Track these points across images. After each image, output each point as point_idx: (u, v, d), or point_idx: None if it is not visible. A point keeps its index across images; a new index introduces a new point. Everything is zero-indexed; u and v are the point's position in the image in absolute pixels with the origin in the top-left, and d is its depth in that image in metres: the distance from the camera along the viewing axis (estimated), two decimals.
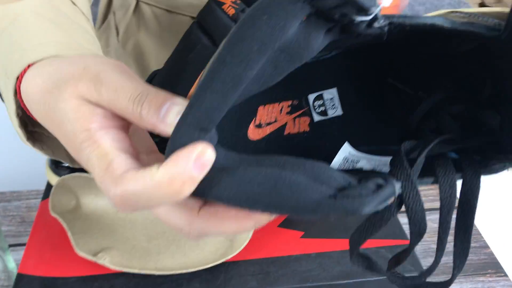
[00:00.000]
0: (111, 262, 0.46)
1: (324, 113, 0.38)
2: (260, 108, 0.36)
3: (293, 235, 0.52)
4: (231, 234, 0.28)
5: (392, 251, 0.51)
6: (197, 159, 0.24)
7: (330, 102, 0.38)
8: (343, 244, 0.51)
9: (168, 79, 0.54)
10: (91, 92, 0.27)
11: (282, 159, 0.26)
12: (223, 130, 0.33)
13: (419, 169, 0.29)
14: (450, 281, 0.32)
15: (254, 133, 0.36)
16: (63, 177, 0.52)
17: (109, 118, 0.28)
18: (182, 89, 0.53)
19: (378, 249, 0.51)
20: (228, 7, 0.53)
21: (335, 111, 0.38)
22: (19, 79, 0.32)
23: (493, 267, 0.57)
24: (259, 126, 0.36)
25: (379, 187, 0.24)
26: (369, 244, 0.51)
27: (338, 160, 0.35)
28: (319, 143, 0.38)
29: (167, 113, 0.25)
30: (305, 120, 0.38)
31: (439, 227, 0.30)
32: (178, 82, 0.53)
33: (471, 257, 0.59)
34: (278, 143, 0.37)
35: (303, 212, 0.23)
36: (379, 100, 0.39)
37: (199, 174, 0.24)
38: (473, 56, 0.33)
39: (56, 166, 0.58)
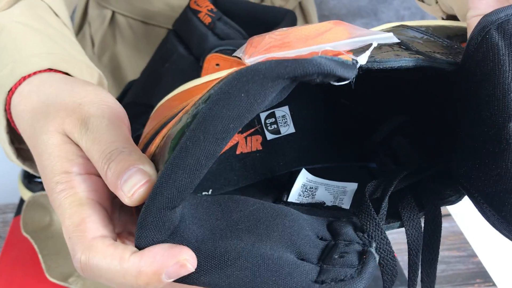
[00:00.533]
0: (84, 286, 0.44)
1: (276, 131, 0.37)
2: None
3: None
4: None
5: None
6: (174, 267, 0.22)
7: (282, 119, 0.37)
8: None
9: (144, 89, 0.53)
10: (75, 133, 0.26)
11: (253, 216, 0.25)
12: None
13: (385, 213, 0.29)
14: None
15: None
16: (34, 194, 0.50)
17: (89, 166, 0.26)
18: (157, 98, 0.52)
19: None
20: (204, 15, 0.51)
21: (288, 128, 0.37)
22: (10, 92, 0.31)
23: (481, 276, 0.56)
24: None
25: (360, 255, 0.25)
26: None
27: (297, 189, 0.35)
28: (272, 162, 0.37)
29: (127, 181, 0.24)
30: (257, 138, 0.37)
31: (408, 270, 0.31)
32: (154, 92, 0.52)
33: (459, 267, 0.58)
34: (230, 164, 0.36)
35: None
36: (332, 118, 0.39)
37: (168, 280, 0.23)
38: (428, 82, 0.33)
39: (29, 181, 0.56)
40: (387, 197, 0.29)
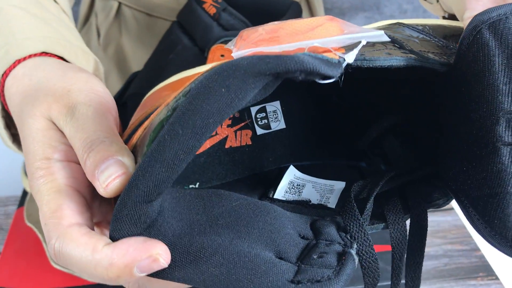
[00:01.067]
0: None
1: (267, 126, 0.37)
2: None
3: None
4: None
5: (381, 257, 0.49)
6: (146, 261, 0.22)
7: (273, 115, 0.37)
8: None
9: (148, 80, 0.53)
10: (60, 120, 0.26)
11: (235, 212, 0.25)
12: None
13: (369, 214, 0.29)
14: None
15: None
16: None
17: (71, 154, 0.26)
18: None
19: None
20: (209, 6, 0.51)
21: (278, 124, 0.37)
22: (4, 75, 0.31)
23: (484, 270, 0.56)
24: None
25: (339, 256, 0.24)
26: None
27: (284, 186, 0.34)
28: (261, 157, 0.37)
29: (103, 171, 0.24)
30: (247, 133, 0.36)
31: (391, 272, 0.30)
32: (158, 83, 0.51)
33: (462, 260, 0.57)
34: (219, 158, 0.35)
35: None
36: (324, 116, 0.38)
37: (140, 274, 0.23)
38: (419, 84, 0.33)
39: None
40: (372, 197, 0.29)
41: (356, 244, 0.27)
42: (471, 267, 0.57)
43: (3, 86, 0.31)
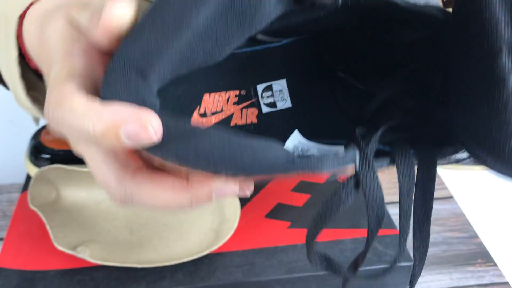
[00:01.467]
0: (91, 255, 0.45)
1: (273, 104, 0.37)
2: (206, 96, 0.35)
3: (279, 225, 0.51)
4: (162, 207, 0.25)
5: (380, 241, 0.50)
6: (135, 125, 0.22)
7: (279, 93, 0.37)
8: (329, 235, 0.50)
9: None
10: (77, 14, 0.27)
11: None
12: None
13: (374, 148, 0.28)
14: (412, 283, 0.31)
15: (198, 122, 0.35)
16: (42, 168, 0.50)
17: (91, 49, 0.26)
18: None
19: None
20: None
21: (284, 103, 0.37)
22: (24, 12, 0.31)
23: (483, 256, 0.57)
24: (203, 115, 0.35)
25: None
26: (358, 234, 0.50)
27: (287, 148, 0.34)
28: (266, 135, 0.37)
29: (110, 10, 0.23)
30: (253, 111, 0.37)
31: (400, 212, 0.29)
32: None
33: (461, 247, 0.58)
34: None
35: (260, 171, 0.22)
36: (329, 94, 0.39)
37: (127, 141, 0.22)
38: (423, 48, 0.33)
39: (36, 157, 0.56)
40: (378, 135, 0.28)
41: (359, 168, 0.26)
42: (469, 254, 0.57)
43: (21, 26, 0.31)
